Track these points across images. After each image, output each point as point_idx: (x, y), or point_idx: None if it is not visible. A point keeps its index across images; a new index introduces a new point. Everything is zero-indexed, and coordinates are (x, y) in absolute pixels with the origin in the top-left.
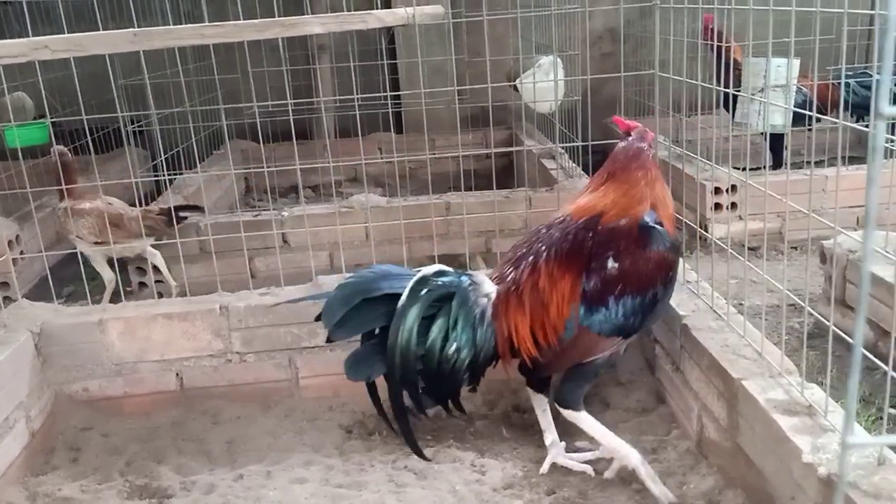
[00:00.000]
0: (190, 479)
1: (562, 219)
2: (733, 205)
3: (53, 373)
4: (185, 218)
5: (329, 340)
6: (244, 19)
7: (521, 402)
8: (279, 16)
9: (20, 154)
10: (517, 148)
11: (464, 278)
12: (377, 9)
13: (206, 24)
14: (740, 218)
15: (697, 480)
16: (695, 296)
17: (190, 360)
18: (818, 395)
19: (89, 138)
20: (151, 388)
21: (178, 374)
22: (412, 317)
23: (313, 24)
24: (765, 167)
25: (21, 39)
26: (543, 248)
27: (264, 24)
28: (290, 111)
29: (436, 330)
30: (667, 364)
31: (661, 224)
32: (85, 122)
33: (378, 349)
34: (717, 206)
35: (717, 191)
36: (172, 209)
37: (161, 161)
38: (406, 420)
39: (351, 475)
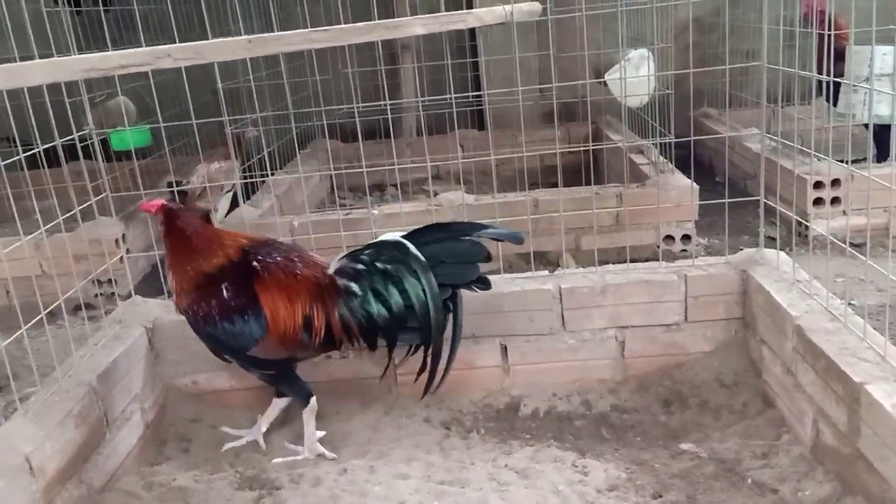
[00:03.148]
0: (297, 472)
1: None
2: (835, 199)
3: (164, 366)
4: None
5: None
6: (329, 22)
7: (620, 402)
8: (367, 18)
9: (134, 154)
10: (610, 144)
11: None
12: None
13: (314, 29)
14: (844, 213)
15: (813, 487)
16: (806, 296)
17: None
18: None
19: (197, 139)
20: (255, 381)
21: None
22: None
23: (416, 26)
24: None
25: (145, 48)
26: None
27: (369, 27)
28: (388, 110)
29: None
30: (776, 366)
31: None
32: (195, 126)
33: None
34: (818, 201)
35: (818, 185)
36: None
37: (255, 161)
38: None
39: (452, 472)
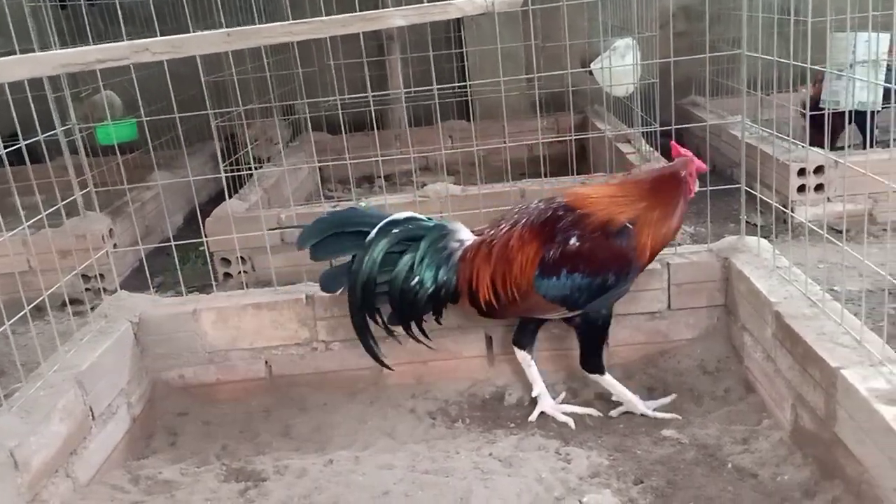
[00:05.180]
0: (282, 464)
1: (553, 197)
2: (818, 186)
3: (151, 360)
4: None
5: (313, 259)
6: (314, 13)
7: (605, 390)
8: (352, 10)
9: (118, 150)
10: (595, 133)
11: (438, 224)
12: None
13: (295, 21)
14: (829, 200)
15: (792, 471)
16: (786, 282)
17: (278, 349)
18: None
19: (180, 133)
20: (242, 375)
21: (266, 362)
22: (378, 249)
23: (395, 17)
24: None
25: (123, 43)
26: (525, 215)
27: (348, 20)
28: (371, 102)
29: (402, 263)
30: (757, 352)
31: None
32: (177, 120)
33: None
34: (802, 188)
35: (802, 172)
36: None
37: (242, 154)
38: (367, 335)
39: (437, 462)
